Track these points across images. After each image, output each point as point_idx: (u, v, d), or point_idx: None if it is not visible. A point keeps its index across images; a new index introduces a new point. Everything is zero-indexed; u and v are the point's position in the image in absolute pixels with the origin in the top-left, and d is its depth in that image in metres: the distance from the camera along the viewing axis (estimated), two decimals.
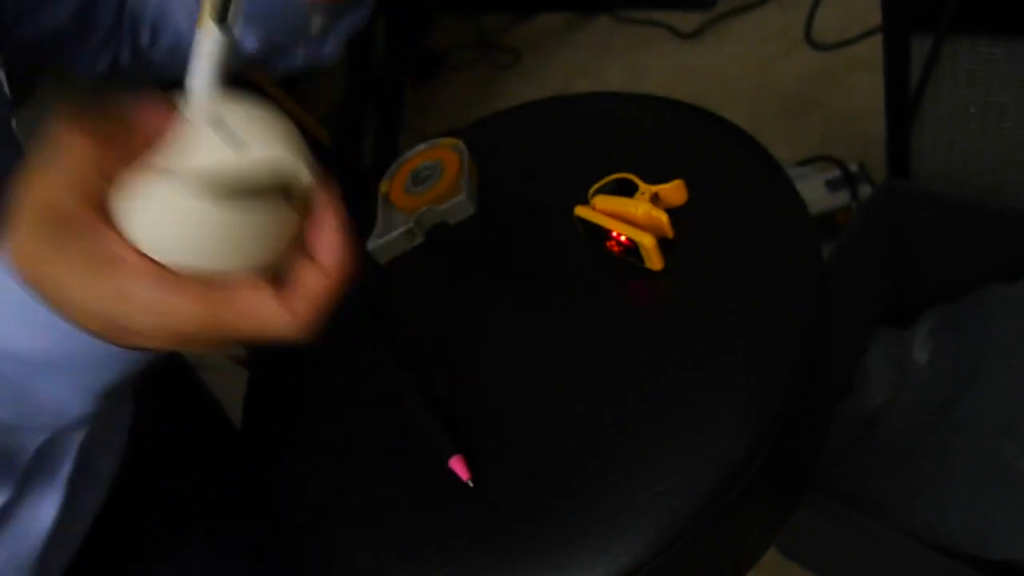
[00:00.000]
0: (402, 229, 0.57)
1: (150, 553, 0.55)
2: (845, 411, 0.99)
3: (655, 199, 0.50)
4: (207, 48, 0.32)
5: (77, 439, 0.38)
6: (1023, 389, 0.84)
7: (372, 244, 0.58)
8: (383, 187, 0.61)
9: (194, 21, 0.51)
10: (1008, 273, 0.90)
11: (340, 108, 1.56)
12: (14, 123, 0.48)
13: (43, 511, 0.38)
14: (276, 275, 0.32)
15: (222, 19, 0.32)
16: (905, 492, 0.86)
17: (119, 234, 0.29)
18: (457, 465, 0.45)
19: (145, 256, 0.30)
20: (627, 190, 0.50)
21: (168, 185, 0.29)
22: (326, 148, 1.50)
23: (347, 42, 0.56)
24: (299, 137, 0.32)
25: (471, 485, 0.44)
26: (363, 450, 0.50)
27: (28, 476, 0.37)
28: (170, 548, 0.56)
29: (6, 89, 0.48)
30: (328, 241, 0.32)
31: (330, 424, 0.53)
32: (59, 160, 0.28)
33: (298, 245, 0.33)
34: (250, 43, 0.52)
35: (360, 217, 0.61)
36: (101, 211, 0.29)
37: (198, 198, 0.29)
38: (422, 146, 0.62)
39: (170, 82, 0.57)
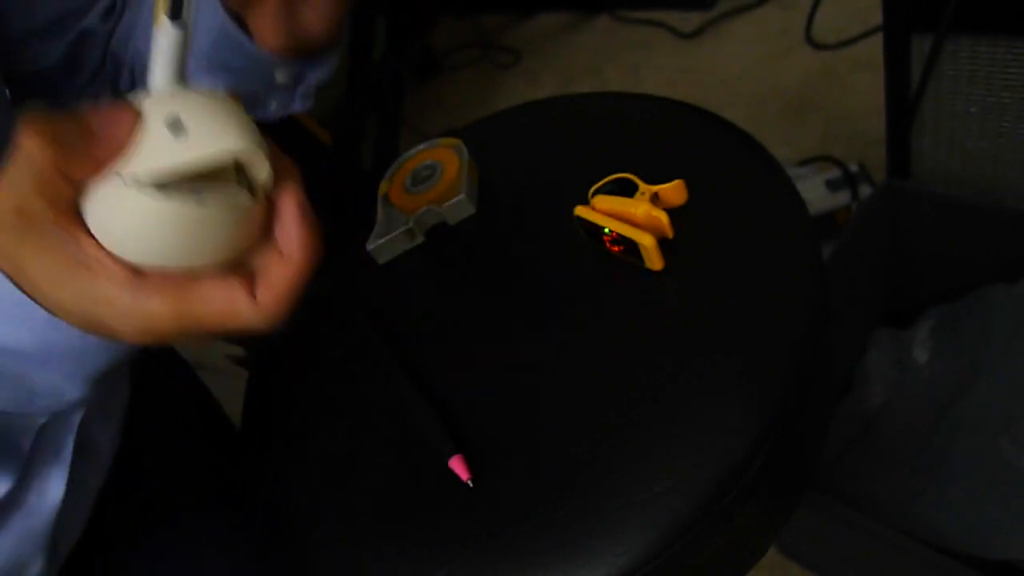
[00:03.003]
0: (402, 229, 0.57)
1: (150, 553, 0.56)
2: (845, 411, 0.99)
3: (655, 199, 0.50)
4: (162, 44, 0.33)
5: (77, 417, 0.39)
6: (1022, 389, 0.84)
7: (372, 244, 0.58)
8: (383, 187, 0.61)
9: None
10: (1008, 273, 0.90)
11: (340, 108, 1.56)
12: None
13: (51, 489, 0.39)
14: (245, 266, 0.33)
15: (176, 15, 0.33)
16: (905, 492, 0.86)
17: (91, 237, 0.30)
18: (457, 465, 0.45)
19: (116, 259, 0.30)
20: (627, 190, 0.50)
21: (125, 187, 0.29)
22: (326, 148, 1.50)
23: (347, 43, 0.57)
24: (252, 125, 0.32)
25: (471, 485, 0.44)
26: (363, 450, 0.50)
27: (33, 457, 0.38)
28: (170, 548, 0.56)
29: (7, 94, 0.48)
30: (290, 230, 0.33)
31: (330, 424, 0.53)
32: (22, 165, 0.29)
33: (264, 234, 0.33)
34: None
35: (360, 217, 0.62)
36: (71, 214, 0.30)
37: (154, 197, 0.29)
38: (422, 146, 0.62)
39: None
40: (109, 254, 0.30)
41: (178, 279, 0.31)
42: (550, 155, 0.61)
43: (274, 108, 0.56)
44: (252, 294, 0.32)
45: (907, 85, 0.82)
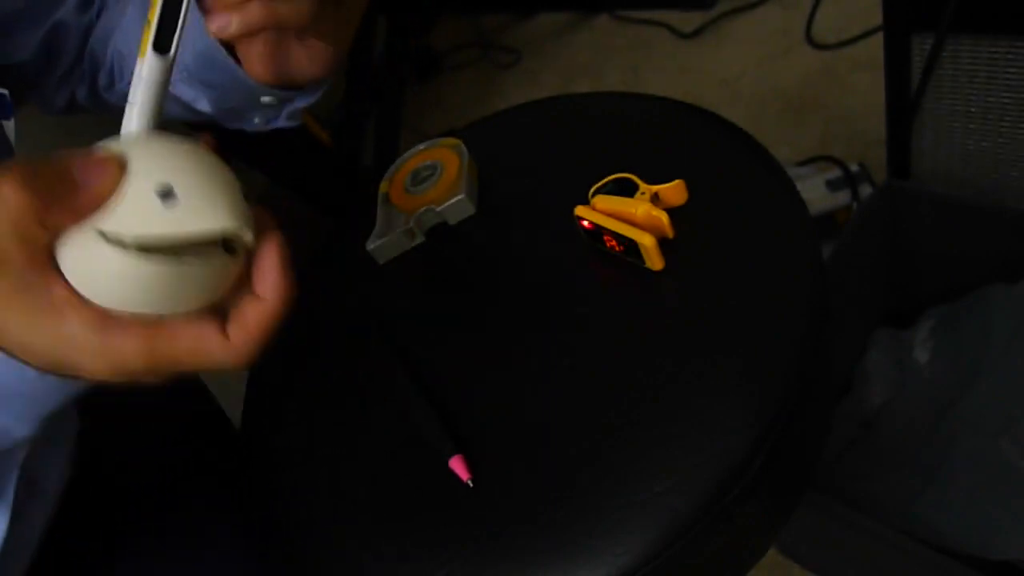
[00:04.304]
0: (402, 229, 0.57)
1: (149, 554, 0.55)
2: (845, 411, 0.98)
3: (655, 199, 0.50)
4: (146, 76, 0.33)
5: (21, 454, 0.39)
6: (1022, 389, 0.84)
7: (372, 244, 0.58)
8: (383, 187, 0.61)
9: None
10: (1008, 273, 0.90)
11: (340, 108, 1.56)
12: (8, 127, 0.49)
13: None
14: (216, 305, 0.33)
15: (163, 49, 0.33)
16: (905, 492, 0.86)
17: (62, 281, 0.30)
18: (457, 465, 0.45)
19: (87, 302, 0.30)
20: (627, 190, 0.50)
21: (106, 244, 0.30)
22: (326, 148, 1.50)
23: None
24: (238, 189, 0.32)
25: (471, 485, 0.44)
26: (363, 450, 0.50)
27: None
28: (169, 548, 0.56)
29: (5, 90, 0.48)
30: (268, 275, 0.33)
31: (330, 424, 0.53)
32: (1, 211, 0.29)
33: (239, 283, 0.33)
34: (203, 105, 0.52)
35: (360, 217, 0.62)
36: (44, 258, 0.30)
37: (135, 257, 0.30)
38: (422, 146, 0.62)
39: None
40: (80, 297, 0.30)
41: (147, 318, 0.31)
42: (550, 155, 0.61)
43: (257, 122, 0.55)
44: (224, 333, 0.32)
45: (907, 85, 0.82)
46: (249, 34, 0.38)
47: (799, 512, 0.51)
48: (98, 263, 0.30)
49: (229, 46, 0.46)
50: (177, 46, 0.34)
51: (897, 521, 0.82)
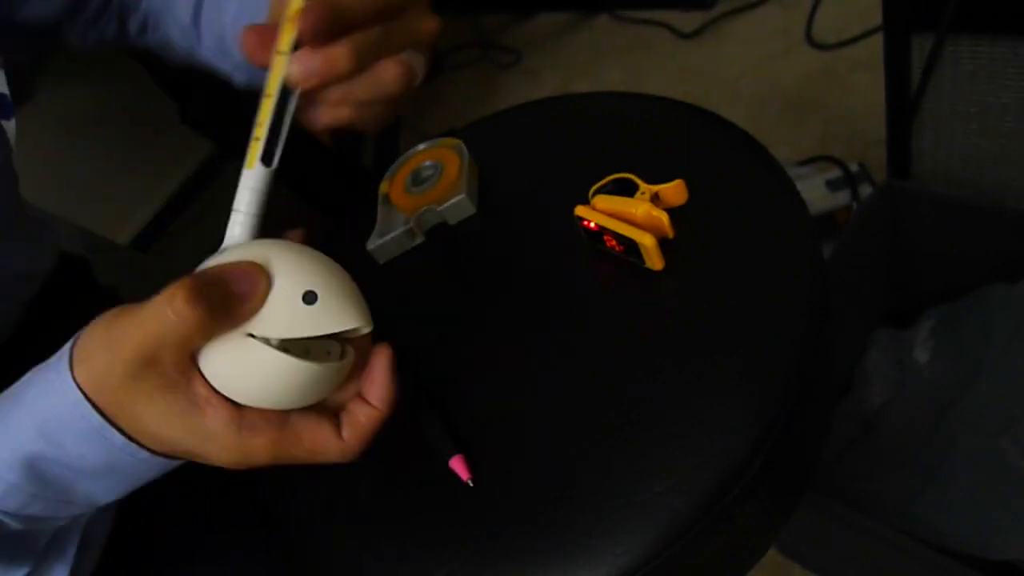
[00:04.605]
0: (402, 229, 0.57)
1: (149, 554, 0.55)
2: (845, 411, 0.98)
3: (655, 199, 0.50)
4: (254, 184, 0.37)
5: (85, 518, 0.41)
6: (1022, 389, 0.84)
7: (372, 244, 0.58)
8: (383, 187, 0.61)
9: (187, 39, 0.53)
10: (1008, 273, 0.90)
11: None
12: (8, 127, 0.49)
13: None
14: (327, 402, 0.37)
15: (268, 162, 0.37)
16: (905, 492, 0.86)
17: (203, 379, 0.33)
18: (457, 465, 0.45)
19: (226, 400, 0.33)
20: (627, 190, 0.50)
21: (256, 347, 0.33)
22: (326, 148, 1.50)
23: None
24: (360, 294, 0.36)
25: (471, 485, 0.44)
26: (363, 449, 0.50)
27: (44, 553, 0.40)
28: (169, 549, 0.56)
29: (6, 90, 0.48)
30: (380, 383, 0.37)
31: None
32: (173, 324, 0.31)
33: (348, 380, 0.37)
34: (239, 78, 0.54)
35: (360, 217, 0.62)
36: (193, 360, 0.33)
37: (280, 358, 0.33)
38: (422, 146, 0.62)
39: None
40: (218, 394, 0.33)
41: (275, 418, 0.34)
42: (550, 155, 0.61)
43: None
44: (339, 433, 0.36)
45: (907, 85, 0.82)
46: (333, 127, 0.41)
47: (799, 512, 0.51)
48: (246, 364, 0.33)
49: None
50: (279, 160, 0.38)
51: (897, 521, 0.82)
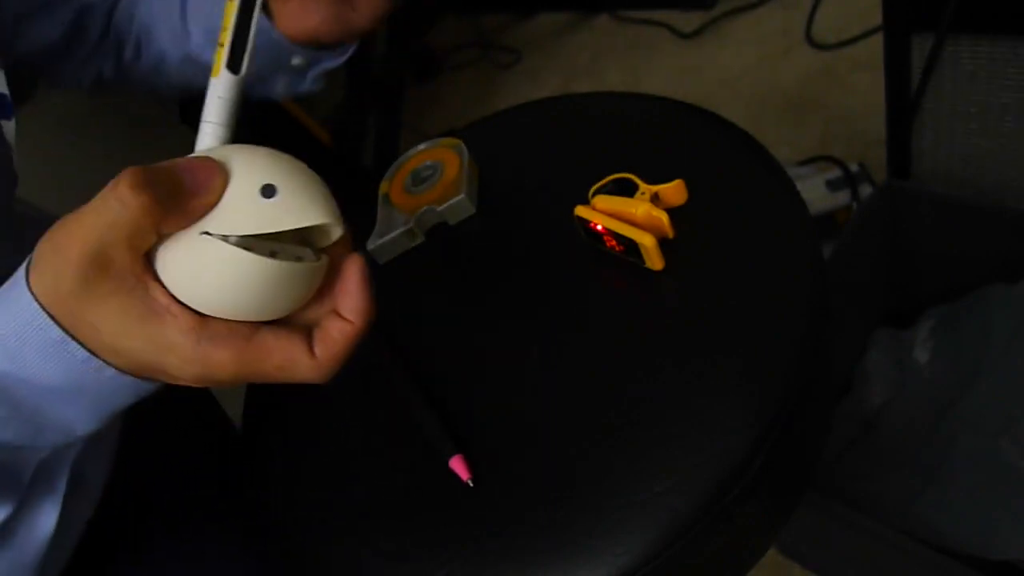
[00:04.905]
0: (402, 229, 0.57)
1: (148, 554, 0.55)
2: (845, 411, 0.98)
3: (655, 199, 0.50)
4: (221, 92, 0.35)
5: (73, 452, 0.39)
6: (1022, 389, 0.84)
7: (372, 244, 0.58)
8: (383, 187, 0.61)
9: (177, 41, 0.52)
10: (1008, 273, 0.90)
11: (341, 108, 1.56)
12: (8, 127, 0.49)
13: (43, 520, 0.39)
14: (298, 319, 0.34)
15: (235, 69, 0.36)
16: (905, 492, 0.86)
17: (162, 286, 0.31)
18: (457, 465, 0.45)
19: (187, 308, 0.31)
20: (627, 190, 0.50)
21: (213, 242, 0.31)
22: (326, 148, 1.50)
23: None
24: (329, 191, 0.34)
25: (471, 485, 0.44)
26: (363, 449, 0.50)
27: (29, 489, 0.38)
28: (169, 549, 0.56)
29: (6, 90, 0.48)
30: (354, 295, 0.34)
31: (330, 424, 0.53)
32: (117, 214, 0.29)
33: (320, 292, 0.34)
34: None
35: (360, 217, 0.62)
36: (145, 263, 0.31)
37: (238, 254, 0.30)
38: (422, 146, 0.62)
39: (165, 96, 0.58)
40: (178, 302, 0.31)
41: (241, 329, 0.32)
42: (550, 155, 0.61)
43: (280, 89, 0.55)
44: (311, 350, 0.33)
45: (907, 85, 0.82)
46: None
47: (799, 512, 0.51)
48: (204, 264, 0.31)
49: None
50: (247, 66, 0.36)
51: (897, 521, 0.82)
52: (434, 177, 0.59)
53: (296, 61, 0.51)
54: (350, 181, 1.53)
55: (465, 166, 0.58)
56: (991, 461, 0.82)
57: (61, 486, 0.40)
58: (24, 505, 0.38)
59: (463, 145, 0.60)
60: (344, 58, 0.52)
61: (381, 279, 0.58)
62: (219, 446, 0.64)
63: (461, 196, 0.57)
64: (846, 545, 0.87)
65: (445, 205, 0.57)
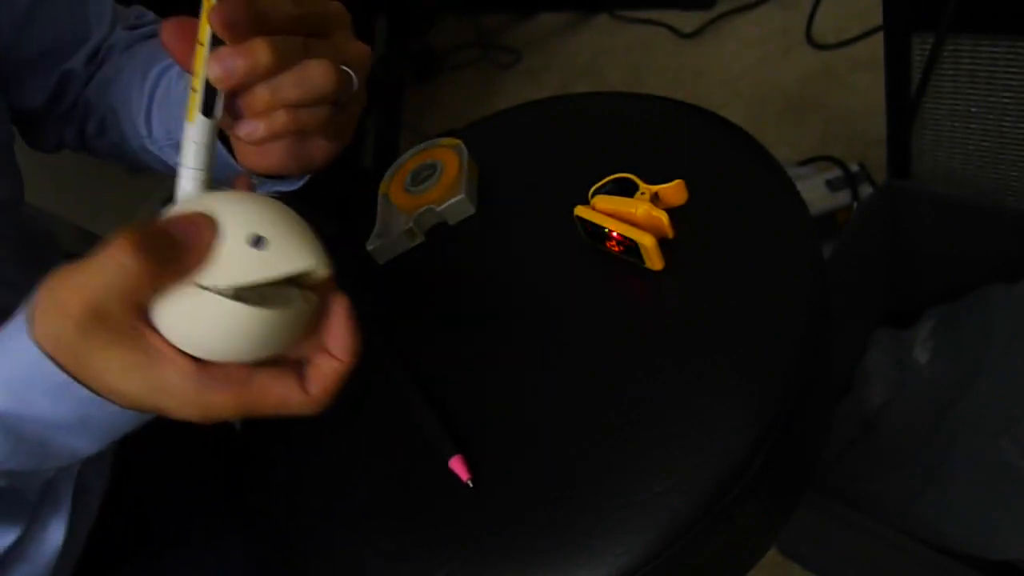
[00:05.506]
0: (402, 229, 0.57)
1: (148, 555, 0.55)
2: (845, 411, 0.99)
3: (655, 199, 0.50)
4: (197, 137, 0.36)
5: (77, 467, 0.42)
6: (1022, 389, 0.84)
7: (372, 244, 0.58)
8: (383, 187, 0.61)
9: (138, 133, 0.53)
10: (1008, 273, 0.90)
11: None
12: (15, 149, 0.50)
13: (52, 535, 0.42)
14: (290, 356, 0.36)
15: (208, 113, 0.36)
16: (905, 492, 0.86)
17: (156, 332, 0.32)
18: (457, 465, 0.45)
19: (182, 353, 0.33)
20: (627, 190, 0.50)
21: (208, 295, 0.32)
22: None
23: None
24: (314, 234, 0.35)
25: (471, 485, 0.44)
26: (363, 450, 0.50)
27: (38, 508, 0.40)
28: (168, 549, 0.56)
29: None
30: (340, 334, 0.36)
31: (330, 424, 0.53)
32: (116, 276, 0.30)
33: (310, 330, 0.36)
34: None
35: (360, 217, 0.62)
36: (143, 313, 0.32)
37: (232, 305, 0.32)
38: (422, 146, 0.62)
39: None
40: (175, 348, 0.32)
41: (239, 372, 0.34)
42: (550, 155, 0.61)
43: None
44: (304, 387, 0.35)
45: (907, 85, 0.82)
46: (273, 140, 0.39)
47: (799, 512, 0.51)
48: (200, 316, 0.32)
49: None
50: (220, 109, 0.36)
51: (897, 521, 0.82)
52: (434, 177, 0.59)
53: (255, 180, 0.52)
54: (350, 181, 1.52)
55: (465, 166, 0.58)
56: (991, 461, 0.82)
57: (67, 501, 0.42)
58: (34, 523, 0.40)
59: (463, 145, 0.60)
60: (298, 186, 0.53)
61: (381, 279, 0.58)
62: (219, 450, 0.64)
63: (461, 196, 0.57)
64: (846, 545, 0.87)
65: (445, 205, 0.57)
